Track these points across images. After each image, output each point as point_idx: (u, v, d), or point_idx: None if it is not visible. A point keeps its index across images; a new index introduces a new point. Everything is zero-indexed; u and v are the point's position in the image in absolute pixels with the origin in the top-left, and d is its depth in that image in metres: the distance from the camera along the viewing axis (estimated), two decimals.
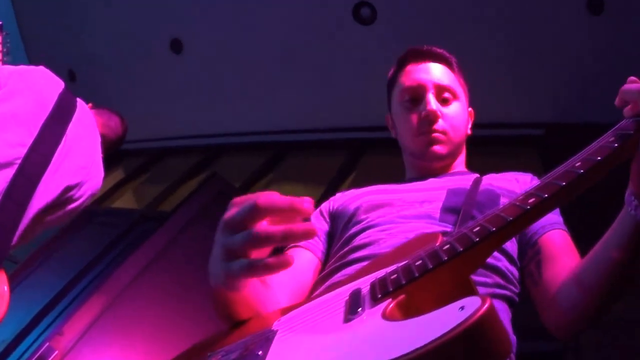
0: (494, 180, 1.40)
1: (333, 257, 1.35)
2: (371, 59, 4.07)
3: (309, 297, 1.21)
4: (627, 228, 0.99)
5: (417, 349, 0.61)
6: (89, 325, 2.63)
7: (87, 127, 2.20)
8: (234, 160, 5.21)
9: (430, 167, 1.51)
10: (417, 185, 1.46)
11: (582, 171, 0.85)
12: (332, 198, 1.57)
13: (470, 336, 0.61)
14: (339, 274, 1.24)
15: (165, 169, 5.48)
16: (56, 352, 2.45)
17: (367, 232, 1.31)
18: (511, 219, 0.82)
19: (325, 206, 1.55)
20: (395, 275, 0.86)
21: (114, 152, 2.51)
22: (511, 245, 1.28)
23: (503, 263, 1.22)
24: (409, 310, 0.80)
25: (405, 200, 1.37)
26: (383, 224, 1.30)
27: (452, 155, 1.52)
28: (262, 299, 1.08)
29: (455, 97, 1.51)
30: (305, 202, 0.86)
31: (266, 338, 0.90)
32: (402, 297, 0.81)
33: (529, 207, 0.83)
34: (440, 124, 1.45)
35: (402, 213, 1.32)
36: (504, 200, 1.30)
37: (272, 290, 1.15)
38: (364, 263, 1.15)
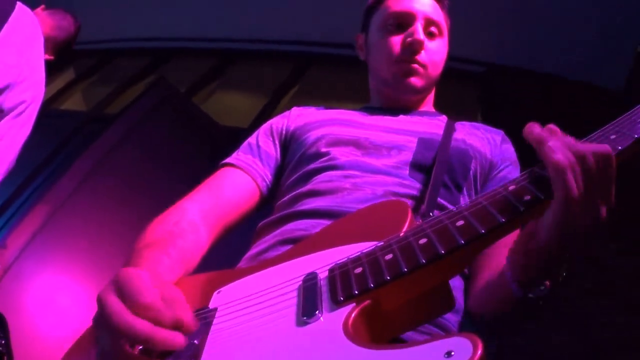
0: (466, 136, 1.23)
1: (286, 192, 1.17)
2: None
3: (256, 255, 1.05)
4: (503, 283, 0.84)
5: None
6: (33, 236, 2.48)
7: (25, 30, 2.07)
8: (182, 65, 4.95)
9: (401, 99, 1.33)
10: (386, 122, 1.27)
11: (620, 148, 0.69)
12: (287, 114, 1.36)
13: None
14: (292, 225, 1.06)
15: (115, 71, 5.15)
16: None
17: (329, 173, 1.13)
18: (504, 220, 0.65)
19: (277, 124, 1.33)
20: (360, 270, 0.69)
21: (66, 52, 2.43)
22: None
23: None
24: (374, 320, 0.65)
25: (373, 141, 1.19)
26: (348, 167, 1.13)
27: (425, 92, 1.35)
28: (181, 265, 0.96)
29: (441, 34, 1.34)
30: (177, 338, 0.67)
31: (204, 323, 0.75)
32: (367, 302, 0.65)
33: (523, 208, 0.66)
34: (422, 55, 1.28)
35: (370, 159, 1.15)
36: (474, 165, 1.17)
37: (190, 241, 1.02)
38: (323, 221, 0.99)
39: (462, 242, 0.64)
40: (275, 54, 4.60)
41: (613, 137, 0.70)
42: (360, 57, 1.47)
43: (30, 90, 2.03)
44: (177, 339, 0.67)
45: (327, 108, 1.37)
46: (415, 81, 1.29)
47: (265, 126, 1.35)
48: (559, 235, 0.69)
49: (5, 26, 1.98)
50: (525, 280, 0.77)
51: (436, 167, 1.12)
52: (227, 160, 1.27)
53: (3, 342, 1.41)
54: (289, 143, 1.29)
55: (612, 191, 0.68)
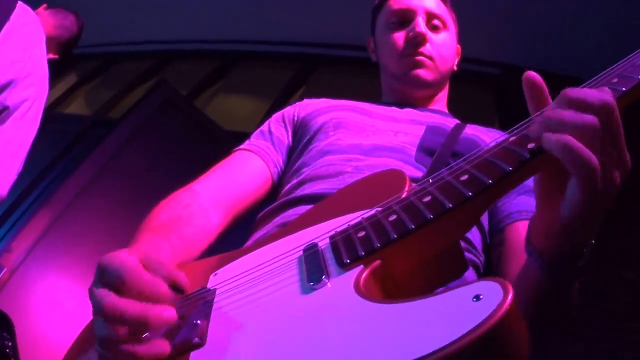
0: (478, 132, 1.21)
1: (290, 179, 1.16)
2: None
3: (257, 240, 1.02)
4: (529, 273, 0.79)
5: (424, 357, 0.43)
6: (37, 240, 2.47)
7: (26, 28, 2.06)
8: (184, 68, 4.93)
9: (411, 94, 1.34)
10: (394, 112, 1.28)
11: (624, 89, 0.64)
12: (298, 104, 1.37)
13: (494, 339, 0.43)
14: (292, 210, 1.04)
15: (118, 74, 5.14)
16: (5, 269, 2.30)
17: (331, 157, 1.12)
18: (510, 169, 0.61)
19: (289, 112, 1.34)
20: (363, 233, 0.67)
21: (70, 53, 2.44)
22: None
23: None
24: (385, 281, 0.62)
25: (379, 127, 1.19)
26: (350, 151, 1.12)
27: (435, 87, 1.35)
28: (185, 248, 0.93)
29: (445, 26, 1.36)
30: (165, 312, 0.63)
31: (204, 302, 0.72)
32: (377, 263, 0.62)
33: (528, 155, 0.61)
34: (427, 48, 1.30)
35: (374, 141, 1.14)
36: None
37: (198, 222, 1.00)
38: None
39: (470, 194, 0.61)
40: (280, 56, 4.58)
41: (615, 80, 0.66)
42: (372, 59, 1.49)
43: (33, 87, 2.02)
44: (171, 313, 0.63)
45: (337, 98, 1.38)
46: (423, 73, 1.30)
47: (277, 115, 1.36)
48: (587, 204, 0.61)
49: (6, 25, 1.97)
50: (553, 259, 0.70)
51: (441, 147, 1.11)
52: (241, 146, 1.26)
53: (10, 344, 1.39)
54: (297, 130, 1.30)
55: (623, 138, 0.61)
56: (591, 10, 3.19)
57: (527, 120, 0.67)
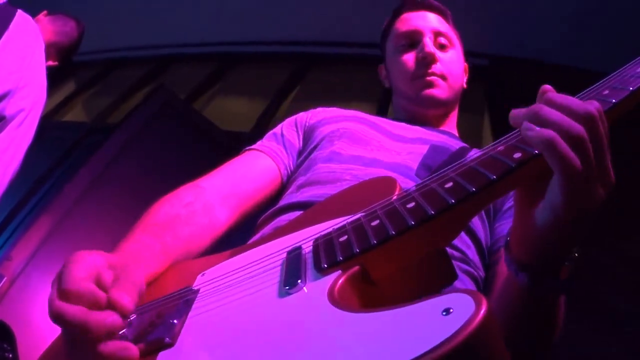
0: None
1: (291, 183, 1.17)
2: None
3: (256, 238, 1.02)
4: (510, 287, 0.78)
5: None
6: (37, 248, 2.46)
7: (25, 37, 2.06)
8: (181, 71, 4.92)
9: (424, 113, 1.35)
10: (402, 129, 1.28)
11: (614, 100, 0.65)
12: (311, 110, 1.39)
13: (460, 358, 0.40)
14: (288, 215, 1.04)
15: (116, 80, 5.13)
16: (5, 278, 2.29)
17: (332, 165, 1.12)
18: (494, 178, 0.61)
19: (301, 118, 1.36)
20: (344, 238, 0.66)
21: (69, 59, 2.44)
22: (483, 230, 1.08)
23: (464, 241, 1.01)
24: (363, 288, 0.61)
25: (384, 143, 1.20)
26: (351, 161, 1.12)
27: (448, 105, 1.36)
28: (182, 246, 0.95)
29: (451, 44, 1.39)
30: (109, 318, 0.60)
31: (185, 301, 0.72)
32: (355, 269, 0.61)
33: (514, 165, 0.62)
34: (437, 67, 1.32)
35: (376, 156, 1.14)
36: None
37: (201, 221, 1.01)
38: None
39: (453, 201, 0.61)
40: (275, 56, 4.58)
41: (606, 92, 0.67)
42: (385, 85, 1.50)
43: (30, 97, 2.02)
44: (113, 318, 0.60)
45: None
46: (436, 92, 1.32)
47: (289, 119, 1.37)
48: (566, 205, 0.61)
49: (5, 34, 1.97)
50: (532, 268, 0.69)
51: (441, 164, 1.10)
52: (252, 146, 1.27)
53: (10, 355, 1.39)
54: (306, 136, 1.31)
55: (606, 152, 0.62)
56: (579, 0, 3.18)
57: (516, 131, 0.67)
